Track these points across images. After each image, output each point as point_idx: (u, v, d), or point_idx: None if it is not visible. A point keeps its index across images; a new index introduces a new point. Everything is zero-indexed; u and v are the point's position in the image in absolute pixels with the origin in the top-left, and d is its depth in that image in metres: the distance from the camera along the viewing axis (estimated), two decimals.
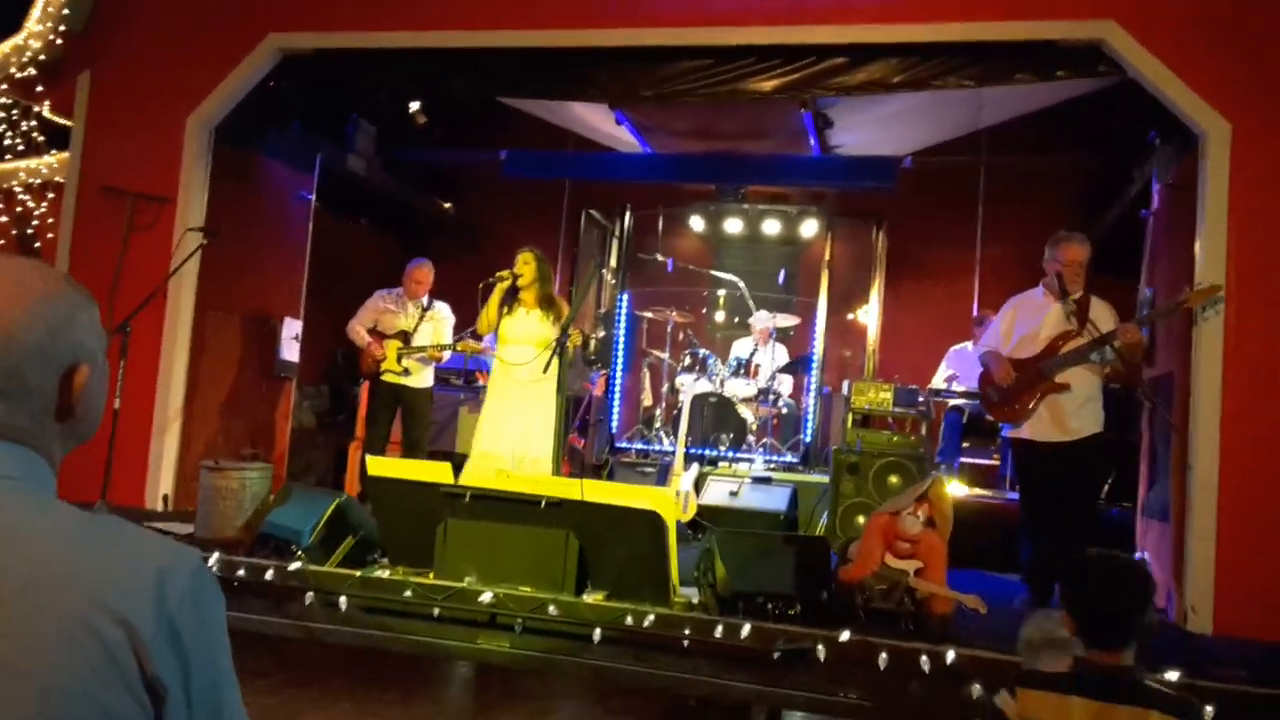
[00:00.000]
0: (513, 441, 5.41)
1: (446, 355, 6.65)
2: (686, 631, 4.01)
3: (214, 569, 4.47)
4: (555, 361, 5.21)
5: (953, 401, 7.39)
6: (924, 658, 3.79)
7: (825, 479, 6.57)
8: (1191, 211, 5.10)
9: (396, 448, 6.68)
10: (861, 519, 5.56)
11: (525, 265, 5.58)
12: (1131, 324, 4.80)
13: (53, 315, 1.09)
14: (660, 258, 8.57)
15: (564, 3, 5.91)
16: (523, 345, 5.52)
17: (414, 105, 8.91)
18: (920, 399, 6.57)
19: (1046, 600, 4.93)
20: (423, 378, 6.61)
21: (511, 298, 5.60)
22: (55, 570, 0.97)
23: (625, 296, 8.84)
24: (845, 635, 3.88)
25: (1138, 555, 5.31)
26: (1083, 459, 4.86)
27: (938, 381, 7.49)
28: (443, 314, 6.71)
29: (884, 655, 3.83)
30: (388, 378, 6.49)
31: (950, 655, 3.78)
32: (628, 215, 9.13)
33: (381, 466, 4.82)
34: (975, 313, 8.05)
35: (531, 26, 5.95)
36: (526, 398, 5.43)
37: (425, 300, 6.66)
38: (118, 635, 0.96)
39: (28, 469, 1.06)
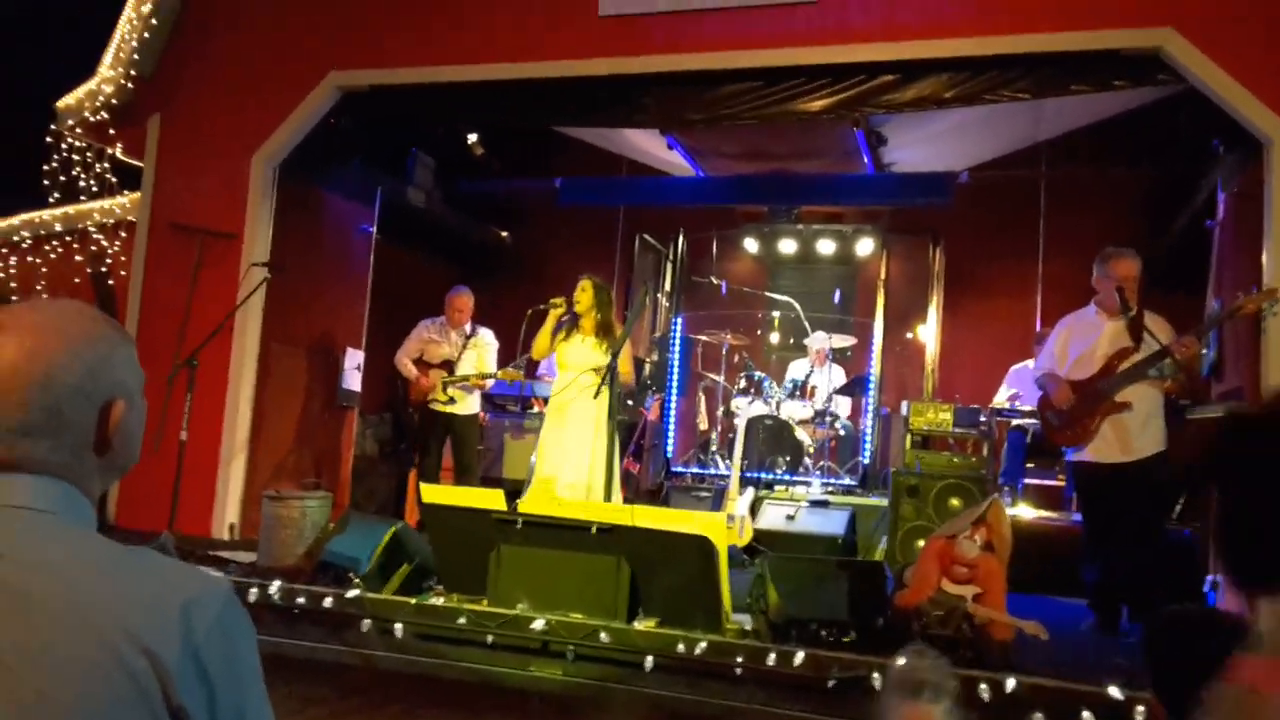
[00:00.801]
0: (565, 468, 5.45)
1: (490, 384, 6.76)
2: (739, 659, 3.96)
3: (275, 596, 4.57)
4: (605, 387, 5.24)
5: (1016, 421, 7.21)
6: (983, 686, 3.69)
7: (884, 502, 6.47)
8: (1259, 220, 4.94)
9: (449, 474, 6.78)
10: (922, 543, 5.45)
11: (583, 293, 5.65)
12: (1188, 336, 4.66)
13: (92, 355, 1.15)
14: (714, 280, 8.58)
15: (611, 30, 5.98)
16: (577, 372, 5.57)
17: (472, 137, 9.09)
18: (982, 419, 6.46)
19: (1113, 625, 4.79)
20: (469, 404, 6.72)
21: (571, 324, 5.68)
22: (87, 601, 1.01)
23: (679, 320, 8.85)
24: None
25: (1210, 577, 5.11)
26: (1147, 479, 4.72)
27: (1000, 401, 7.33)
28: (486, 340, 6.83)
29: None
30: (435, 406, 6.62)
31: (1011, 684, 3.67)
32: (681, 239, 9.17)
33: (435, 494, 4.88)
34: (1038, 329, 7.87)
35: (580, 56, 6.04)
36: (577, 424, 5.47)
37: (468, 327, 6.79)
38: (143, 665, 0.99)
39: (67, 503, 1.11)
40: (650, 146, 8.07)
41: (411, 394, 6.77)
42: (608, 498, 5.38)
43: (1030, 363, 7.47)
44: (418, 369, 6.76)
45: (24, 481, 1.09)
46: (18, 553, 1.03)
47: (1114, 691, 3.57)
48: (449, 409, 6.63)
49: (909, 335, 8.95)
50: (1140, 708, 3.52)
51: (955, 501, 5.91)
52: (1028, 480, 7.16)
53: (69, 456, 1.13)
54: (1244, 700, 1.16)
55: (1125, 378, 4.71)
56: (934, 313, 8.46)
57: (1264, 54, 4.92)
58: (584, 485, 5.37)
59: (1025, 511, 6.76)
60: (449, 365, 6.70)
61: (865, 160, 7.60)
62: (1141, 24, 5.09)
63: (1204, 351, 5.16)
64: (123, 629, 1.00)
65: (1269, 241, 4.81)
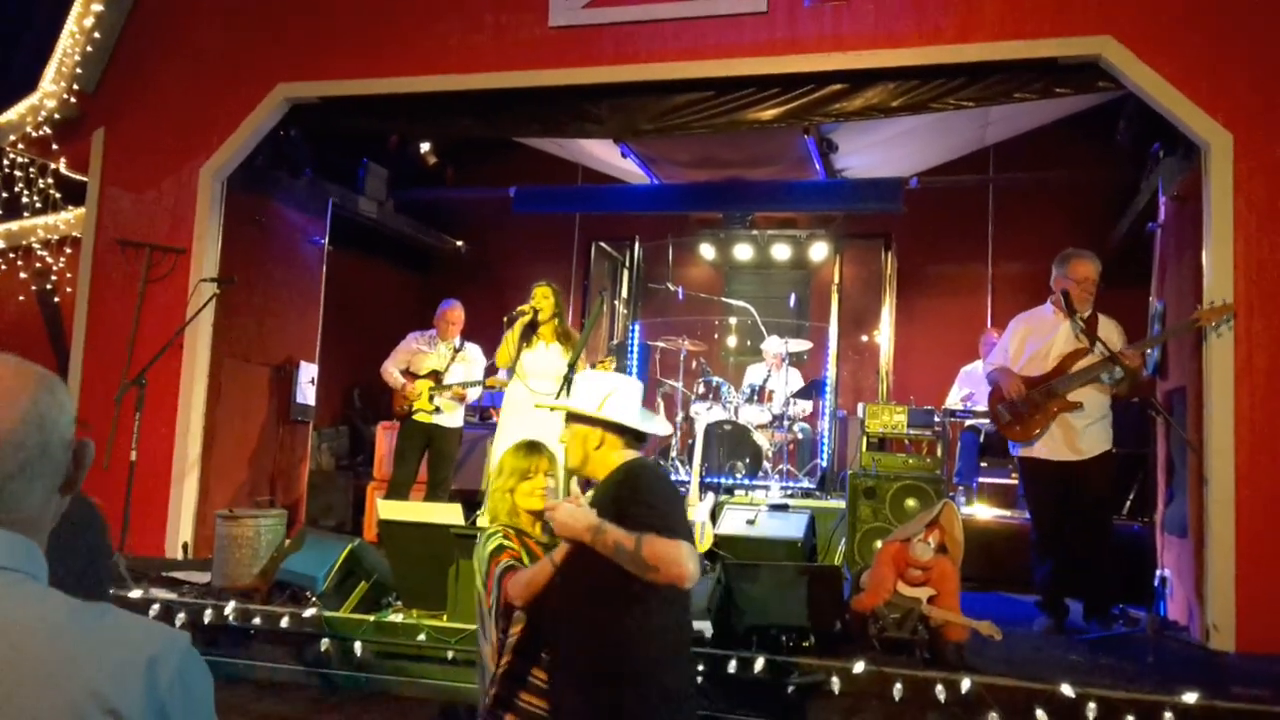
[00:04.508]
0: None
1: (477, 392, 6.70)
2: (700, 666, 3.99)
3: (230, 617, 4.51)
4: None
5: (969, 421, 7.33)
6: (939, 687, 3.76)
7: (842, 504, 6.54)
8: (1198, 223, 5.07)
9: (424, 487, 6.70)
10: (880, 544, 5.52)
11: (545, 300, 5.58)
12: (1133, 348, 4.80)
13: (63, 393, 1.17)
14: (671, 287, 8.61)
15: (561, 41, 5.99)
16: (547, 379, 5.53)
17: (424, 146, 9.05)
18: (935, 420, 6.54)
19: (1063, 621, 4.89)
20: (454, 417, 6.64)
21: (530, 332, 5.64)
22: (51, 663, 1.02)
23: (637, 327, 8.87)
24: (859, 666, 3.86)
25: (1159, 572, 5.23)
26: (1095, 476, 4.84)
27: (953, 401, 7.44)
28: (473, 355, 6.75)
29: (899, 685, 3.80)
30: (420, 416, 6.54)
31: (966, 684, 3.74)
32: (637, 246, 9.18)
33: (393, 510, 4.85)
34: (988, 328, 8.00)
35: (532, 66, 6.03)
36: (546, 433, 5.47)
37: (457, 341, 6.71)
38: None
39: (29, 560, 1.11)
40: (604, 154, 8.08)
41: (395, 404, 6.68)
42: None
43: (980, 364, 7.60)
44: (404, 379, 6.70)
45: None
46: None
47: (1066, 690, 3.65)
48: (433, 419, 6.55)
49: (863, 338, 9.05)
50: (1092, 705, 3.60)
51: (911, 502, 5.98)
52: (982, 479, 7.28)
53: (43, 502, 1.14)
54: None
55: (1077, 378, 4.83)
56: (887, 315, 8.55)
57: (1200, 60, 5.04)
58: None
59: (981, 510, 6.88)
60: (436, 376, 6.63)
61: (817, 167, 7.67)
62: (1081, 32, 5.19)
63: (1148, 352, 5.29)
64: (88, 690, 1.01)
65: (1208, 243, 4.93)
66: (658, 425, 2.87)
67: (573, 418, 2.78)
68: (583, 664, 2.54)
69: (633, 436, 2.74)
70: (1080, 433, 4.85)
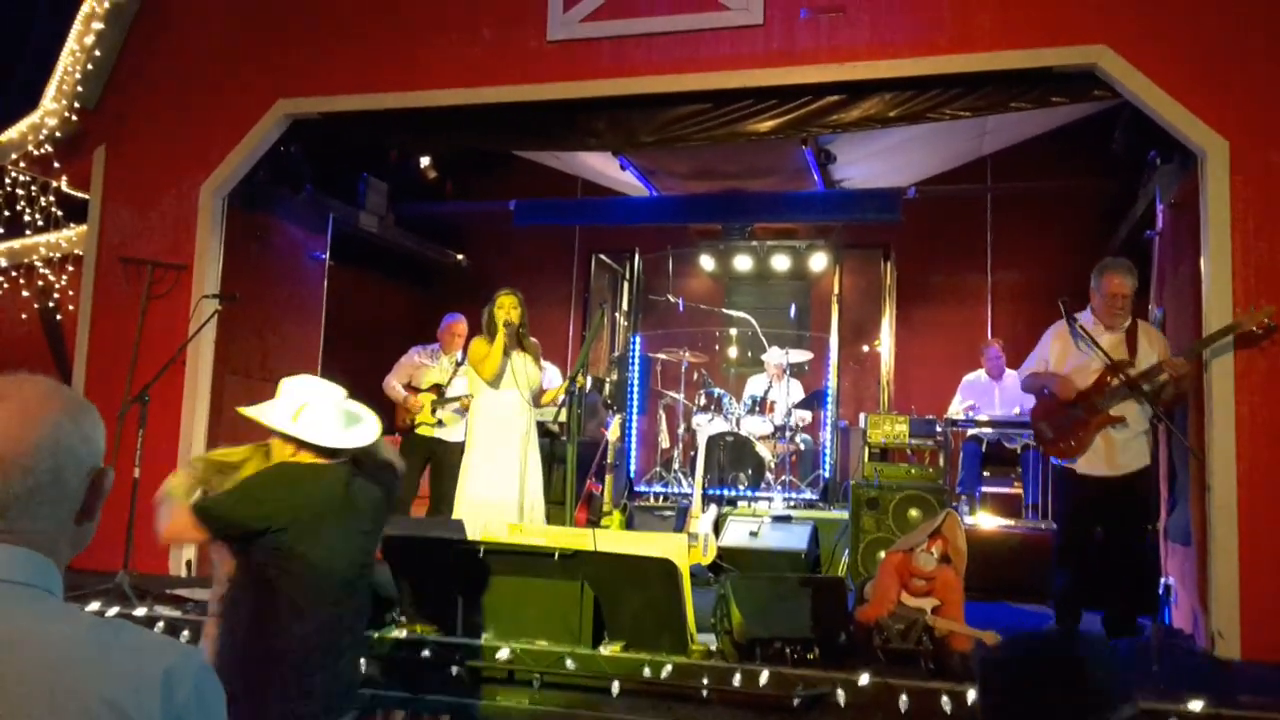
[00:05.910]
0: (502, 488, 5.37)
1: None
2: (705, 680, 3.99)
3: None
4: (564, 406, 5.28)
5: (971, 431, 7.33)
6: (945, 698, 3.75)
7: (845, 515, 6.54)
8: (1195, 230, 5.08)
9: (425, 501, 6.69)
10: (883, 554, 5.51)
11: (514, 309, 5.54)
12: (1177, 358, 4.72)
13: (87, 420, 1.20)
14: (671, 299, 8.62)
15: (560, 55, 6.01)
16: (519, 389, 5.51)
17: (424, 161, 9.09)
18: (937, 429, 6.55)
19: (1074, 630, 4.87)
20: (457, 430, 6.62)
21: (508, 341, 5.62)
22: (71, 675, 1.04)
23: (637, 339, 8.88)
24: (864, 678, 3.85)
25: (1163, 580, 5.23)
26: (1131, 493, 4.77)
27: (954, 412, 7.44)
28: None
29: (904, 697, 3.79)
30: (422, 430, 6.54)
31: (972, 695, 3.73)
32: (637, 258, 9.20)
33: (394, 525, 4.84)
34: (989, 338, 8.01)
35: (531, 80, 6.06)
36: (525, 442, 5.46)
37: (460, 355, 6.71)
38: None
39: (46, 576, 1.13)
40: (604, 167, 8.11)
41: (398, 419, 6.68)
42: (550, 515, 5.40)
43: (981, 373, 7.61)
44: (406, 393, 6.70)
45: (10, 554, 1.11)
46: (5, 630, 1.06)
47: None
48: (435, 433, 6.54)
49: (864, 348, 9.06)
50: None
51: (914, 512, 5.99)
52: (985, 489, 7.29)
53: (55, 525, 1.15)
54: None
55: (1120, 392, 4.75)
56: (887, 325, 8.56)
57: (1195, 68, 5.05)
58: (523, 504, 5.35)
59: (984, 520, 6.87)
60: (438, 390, 6.62)
61: (815, 178, 7.69)
62: (1076, 41, 5.21)
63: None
64: (104, 700, 1.03)
65: (1206, 250, 4.93)
66: (353, 436, 2.89)
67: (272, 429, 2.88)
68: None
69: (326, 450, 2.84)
70: (1121, 447, 4.76)
